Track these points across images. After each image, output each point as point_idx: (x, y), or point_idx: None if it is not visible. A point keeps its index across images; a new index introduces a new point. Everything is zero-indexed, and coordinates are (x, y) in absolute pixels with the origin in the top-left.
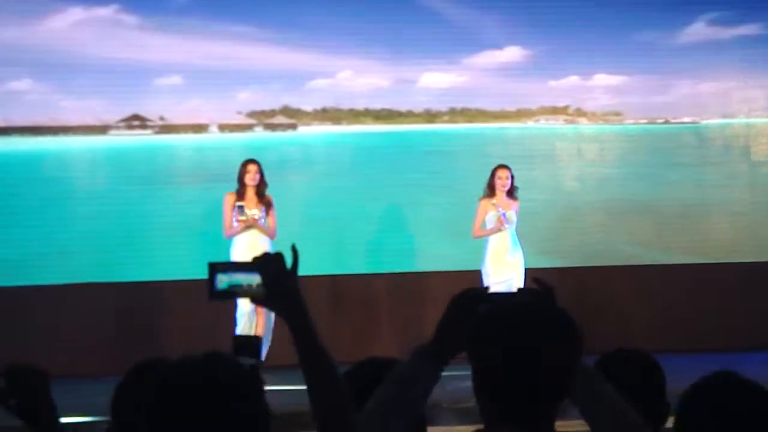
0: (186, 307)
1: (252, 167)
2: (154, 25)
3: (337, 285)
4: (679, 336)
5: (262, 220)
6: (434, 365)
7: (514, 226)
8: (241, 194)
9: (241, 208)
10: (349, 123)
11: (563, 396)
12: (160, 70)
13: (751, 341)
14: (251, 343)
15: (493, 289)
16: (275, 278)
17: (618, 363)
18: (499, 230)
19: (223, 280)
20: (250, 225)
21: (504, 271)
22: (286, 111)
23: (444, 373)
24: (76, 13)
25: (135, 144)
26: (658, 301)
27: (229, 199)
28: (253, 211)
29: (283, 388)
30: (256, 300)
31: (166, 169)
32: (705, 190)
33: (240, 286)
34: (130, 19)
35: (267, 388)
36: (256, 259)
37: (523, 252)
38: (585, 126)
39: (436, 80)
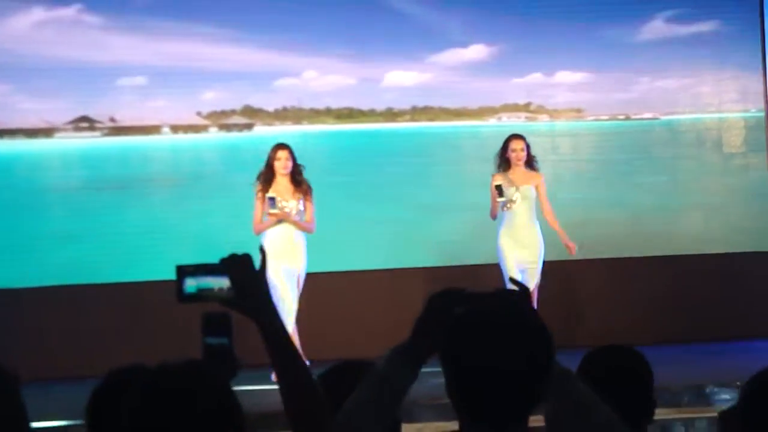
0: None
1: (282, 153)
2: (117, 26)
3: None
4: (656, 328)
5: (298, 214)
6: (410, 366)
7: (531, 203)
8: (268, 183)
9: (272, 200)
10: (311, 122)
11: (537, 399)
12: (123, 71)
13: (727, 332)
14: (221, 320)
15: (512, 275)
16: (244, 280)
17: (604, 360)
18: (507, 207)
19: (191, 284)
20: (282, 219)
21: (518, 252)
22: (247, 111)
23: (422, 369)
24: (38, 14)
25: (96, 145)
26: (634, 294)
27: (258, 188)
28: (290, 203)
29: (262, 388)
30: (225, 303)
31: (132, 171)
32: (678, 183)
33: (209, 289)
34: (93, 19)
35: (247, 388)
36: (223, 261)
37: (542, 238)
38: (558, 123)
39: (400, 79)
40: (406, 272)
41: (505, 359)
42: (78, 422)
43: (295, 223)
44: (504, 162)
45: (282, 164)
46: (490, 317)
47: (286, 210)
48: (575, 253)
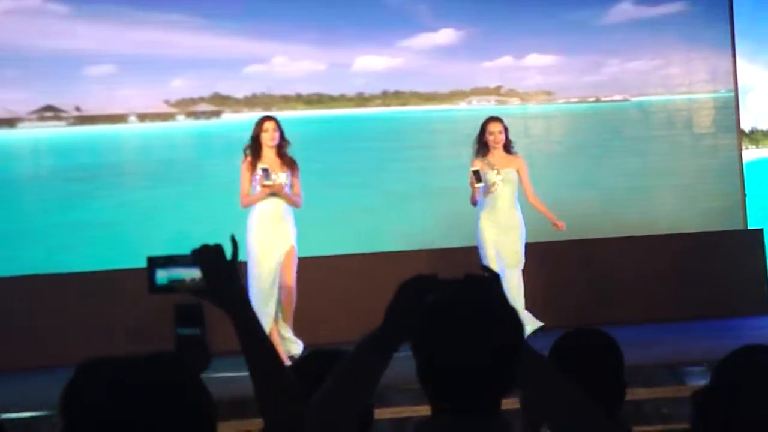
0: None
1: (269, 124)
2: (83, 14)
3: None
4: (629, 308)
5: (286, 188)
6: (382, 352)
7: (513, 187)
8: (256, 156)
9: (266, 171)
10: (280, 109)
11: (508, 386)
12: (90, 59)
13: (700, 310)
14: (193, 311)
15: (490, 257)
16: (215, 271)
17: (573, 343)
18: (490, 191)
19: (162, 275)
20: (275, 192)
21: (500, 236)
22: (216, 98)
23: (396, 354)
24: (2, 3)
25: (63, 135)
26: (606, 274)
27: (247, 162)
28: (280, 175)
29: (236, 374)
30: (197, 293)
31: (101, 159)
32: (649, 164)
33: (180, 280)
34: (59, 8)
35: (220, 375)
36: (194, 252)
37: (524, 224)
38: (529, 106)
39: (371, 64)
40: (379, 257)
41: (473, 347)
42: (47, 413)
43: (287, 197)
44: (482, 146)
45: (269, 135)
46: (459, 305)
47: (278, 182)
48: (564, 229)
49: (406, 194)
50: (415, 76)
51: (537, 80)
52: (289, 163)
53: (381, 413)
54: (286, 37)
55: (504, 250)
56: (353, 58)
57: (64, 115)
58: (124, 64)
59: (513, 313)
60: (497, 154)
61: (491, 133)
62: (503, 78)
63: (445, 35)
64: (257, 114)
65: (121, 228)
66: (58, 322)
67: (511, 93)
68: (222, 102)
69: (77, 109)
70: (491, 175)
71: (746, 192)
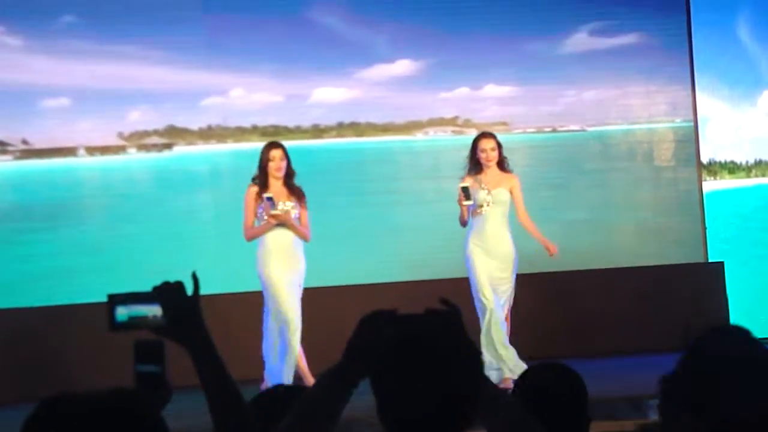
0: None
1: (276, 152)
2: (38, 47)
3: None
4: (591, 341)
5: (295, 219)
6: (342, 388)
7: (504, 209)
8: (263, 187)
9: (270, 200)
10: (236, 140)
11: (467, 422)
12: (45, 93)
13: (661, 343)
14: (154, 348)
15: (482, 285)
16: (175, 308)
17: (537, 378)
18: (477, 212)
19: (122, 312)
20: (281, 222)
21: (487, 262)
22: (171, 131)
23: (362, 386)
24: None
25: (16, 168)
26: (568, 307)
27: (252, 192)
28: (287, 204)
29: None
30: (157, 330)
31: (57, 194)
32: (609, 196)
33: (140, 317)
34: (14, 41)
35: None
36: (155, 289)
37: (515, 248)
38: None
39: (328, 95)
40: (341, 289)
41: (430, 384)
42: None
43: (295, 227)
44: (474, 164)
45: (276, 165)
46: (416, 341)
47: (286, 210)
48: (557, 252)
49: (364, 227)
50: (372, 107)
51: (494, 111)
52: (297, 193)
53: None
54: (243, 69)
55: (491, 278)
56: (311, 89)
57: (11, 148)
58: (78, 98)
59: (472, 348)
60: (490, 172)
61: (483, 150)
62: (460, 108)
63: (402, 66)
64: (212, 146)
65: (72, 262)
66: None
67: (468, 123)
68: (177, 134)
69: (24, 142)
70: (481, 195)
71: (706, 225)
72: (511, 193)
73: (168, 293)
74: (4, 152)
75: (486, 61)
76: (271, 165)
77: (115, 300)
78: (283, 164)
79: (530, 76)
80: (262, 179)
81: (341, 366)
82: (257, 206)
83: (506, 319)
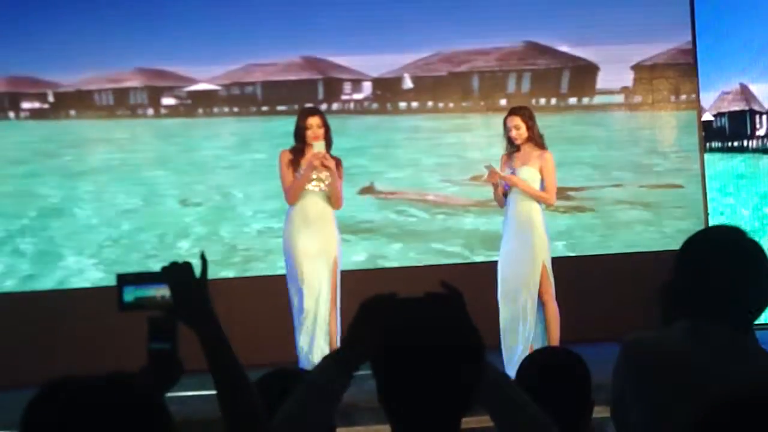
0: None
1: (314, 120)
2: None
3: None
4: (594, 326)
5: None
6: (343, 372)
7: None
8: (298, 155)
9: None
10: None
11: (467, 406)
12: None
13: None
14: (166, 325)
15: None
16: (183, 289)
17: (542, 362)
18: (504, 192)
19: (130, 292)
20: (325, 169)
21: (509, 245)
22: None
23: (361, 372)
24: None
25: None
26: (571, 292)
27: (286, 156)
28: (322, 174)
29: (203, 393)
30: (165, 311)
31: None
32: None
33: (148, 297)
34: None
35: (186, 393)
36: (164, 269)
37: (545, 237)
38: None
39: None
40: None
41: (431, 368)
42: None
43: (334, 188)
44: (509, 143)
45: (313, 133)
46: (417, 325)
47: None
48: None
49: None
50: None
51: None
52: (333, 161)
53: None
54: None
55: (513, 264)
56: None
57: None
58: None
59: (472, 332)
60: (525, 149)
61: (509, 129)
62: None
63: None
64: None
65: None
66: (30, 341)
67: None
68: None
69: None
70: (510, 178)
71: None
72: (540, 173)
73: (175, 274)
74: None
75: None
76: (309, 133)
77: (124, 280)
78: (321, 132)
79: None
80: (299, 147)
81: (342, 349)
82: (294, 174)
83: (545, 303)
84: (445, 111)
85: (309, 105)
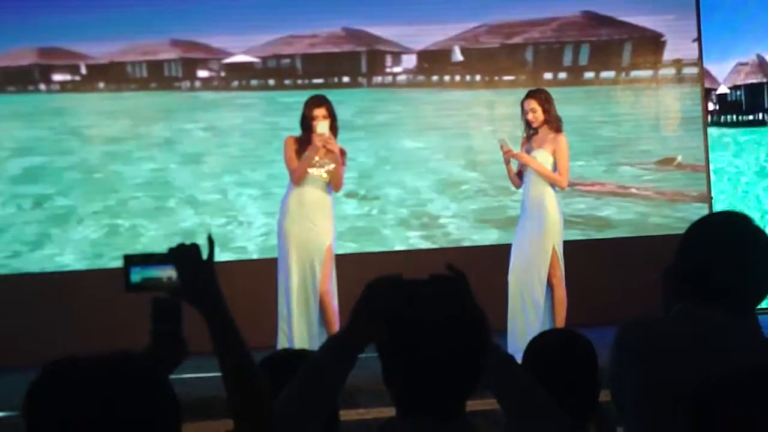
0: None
1: (319, 111)
2: None
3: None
4: (598, 310)
5: (329, 173)
6: (347, 353)
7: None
8: (304, 145)
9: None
10: None
11: (473, 386)
12: None
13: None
14: (170, 307)
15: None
16: (190, 271)
17: (549, 345)
18: (519, 170)
19: (137, 273)
20: (327, 152)
21: (524, 228)
22: None
23: (363, 355)
24: None
25: None
26: (578, 275)
27: (292, 142)
28: (324, 161)
29: (206, 375)
30: (171, 292)
31: None
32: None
33: (155, 278)
34: None
35: (191, 375)
36: (171, 251)
37: (559, 219)
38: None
39: None
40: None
41: (436, 349)
42: (9, 414)
43: (336, 172)
44: (527, 126)
45: (319, 123)
46: (422, 306)
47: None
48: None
49: None
50: None
51: None
52: (336, 152)
53: (348, 415)
54: None
55: (524, 247)
56: None
57: None
58: None
59: (478, 313)
60: (542, 131)
61: (525, 112)
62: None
63: None
64: None
65: None
66: (30, 322)
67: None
68: None
69: None
70: (524, 158)
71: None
72: (553, 156)
73: (182, 255)
74: None
75: None
76: (314, 123)
77: (131, 261)
78: (327, 122)
79: None
80: (304, 137)
81: (347, 330)
82: (296, 152)
83: (553, 287)
84: (499, 84)
85: (316, 93)
